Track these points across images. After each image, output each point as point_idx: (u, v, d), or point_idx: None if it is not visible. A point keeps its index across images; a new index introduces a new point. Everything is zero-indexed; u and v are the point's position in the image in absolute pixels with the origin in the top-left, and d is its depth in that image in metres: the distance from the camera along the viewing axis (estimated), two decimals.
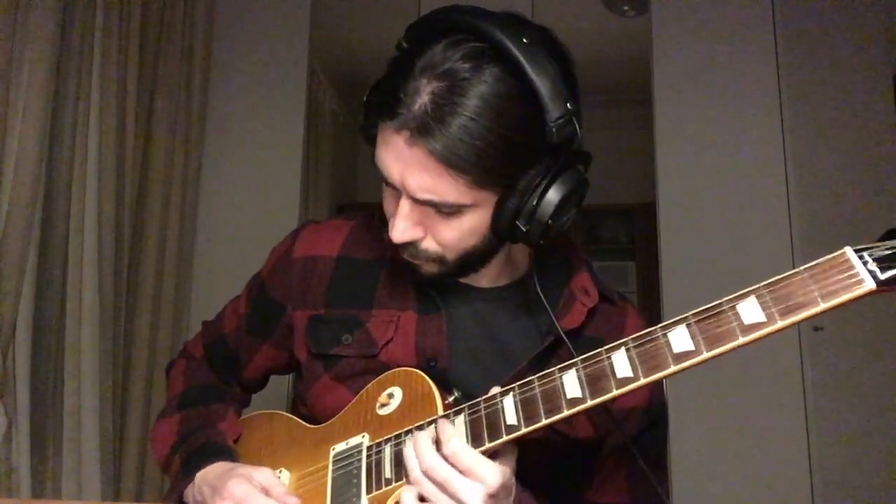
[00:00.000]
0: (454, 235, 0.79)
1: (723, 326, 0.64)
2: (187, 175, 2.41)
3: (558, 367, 0.71)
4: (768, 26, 2.55)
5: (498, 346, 0.88)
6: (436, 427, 0.74)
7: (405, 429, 0.77)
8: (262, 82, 2.65)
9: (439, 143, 0.71)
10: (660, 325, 0.68)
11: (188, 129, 2.42)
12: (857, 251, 0.61)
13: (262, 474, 0.81)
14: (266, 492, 0.79)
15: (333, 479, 0.80)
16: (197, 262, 2.49)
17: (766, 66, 2.52)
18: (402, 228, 0.78)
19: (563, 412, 0.68)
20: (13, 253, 1.63)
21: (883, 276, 0.59)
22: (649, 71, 2.61)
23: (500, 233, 0.79)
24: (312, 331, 0.91)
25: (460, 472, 0.69)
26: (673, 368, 0.65)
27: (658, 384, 0.75)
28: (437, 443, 0.72)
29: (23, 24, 1.69)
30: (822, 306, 0.61)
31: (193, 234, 2.49)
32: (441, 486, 0.70)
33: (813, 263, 0.63)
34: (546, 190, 0.76)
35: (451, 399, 0.79)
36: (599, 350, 0.69)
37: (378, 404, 0.82)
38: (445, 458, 0.70)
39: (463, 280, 0.89)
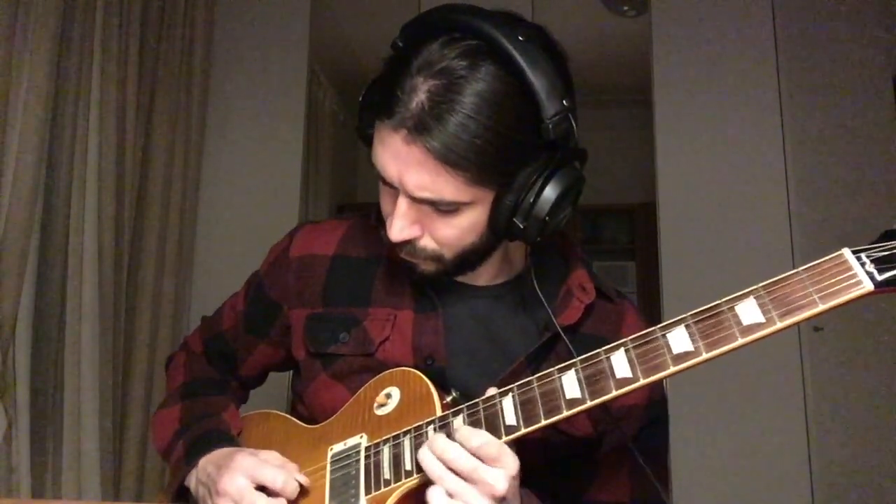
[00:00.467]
0: (452, 233, 0.79)
1: (722, 327, 0.64)
2: (187, 175, 2.41)
3: (557, 367, 0.71)
4: (768, 26, 2.54)
5: (496, 343, 0.88)
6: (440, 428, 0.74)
7: (403, 429, 0.77)
8: (262, 82, 2.64)
9: (437, 140, 0.72)
10: (659, 326, 0.68)
11: (188, 129, 2.42)
12: (855, 252, 0.62)
13: (270, 454, 0.82)
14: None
15: (332, 480, 0.80)
16: (197, 261, 2.49)
17: (766, 67, 2.52)
18: (399, 227, 0.78)
19: (562, 413, 0.68)
20: (13, 253, 1.64)
21: (881, 278, 0.60)
22: (649, 71, 2.61)
23: (498, 230, 0.79)
24: (310, 330, 0.91)
25: (485, 460, 0.69)
26: (672, 369, 0.65)
27: (658, 381, 0.75)
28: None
29: (23, 24, 1.69)
30: (821, 307, 0.61)
31: (193, 234, 2.49)
32: (467, 477, 0.69)
33: (811, 264, 0.63)
34: (543, 187, 0.76)
35: (449, 399, 0.79)
36: (598, 350, 0.69)
37: (376, 404, 0.82)
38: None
39: (460, 278, 0.88)
